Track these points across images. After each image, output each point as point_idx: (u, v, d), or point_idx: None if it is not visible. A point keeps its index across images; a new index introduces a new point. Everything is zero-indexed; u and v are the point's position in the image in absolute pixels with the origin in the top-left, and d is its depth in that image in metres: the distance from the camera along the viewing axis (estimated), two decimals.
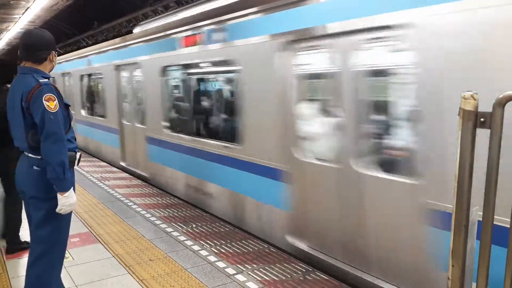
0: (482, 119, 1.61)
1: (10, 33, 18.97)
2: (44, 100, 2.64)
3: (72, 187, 2.75)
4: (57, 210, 2.69)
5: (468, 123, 1.63)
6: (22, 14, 14.17)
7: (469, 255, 1.73)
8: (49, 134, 2.64)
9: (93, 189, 6.93)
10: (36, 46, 2.83)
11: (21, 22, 15.46)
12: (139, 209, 5.79)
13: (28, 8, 12.99)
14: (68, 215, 2.88)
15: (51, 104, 2.65)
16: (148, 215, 5.52)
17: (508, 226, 1.59)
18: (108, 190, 6.89)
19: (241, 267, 3.96)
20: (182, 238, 4.71)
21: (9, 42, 22.58)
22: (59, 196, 2.68)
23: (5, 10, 14.11)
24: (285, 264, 4.04)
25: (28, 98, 2.66)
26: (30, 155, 2.80)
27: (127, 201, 6.22)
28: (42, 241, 2.81)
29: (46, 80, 2.77)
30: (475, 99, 1.61)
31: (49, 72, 2.94)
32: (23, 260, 4.05)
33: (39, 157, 2.74)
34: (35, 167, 2.77)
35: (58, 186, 2.67)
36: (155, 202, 6.18)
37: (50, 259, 2.85)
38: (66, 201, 2.68)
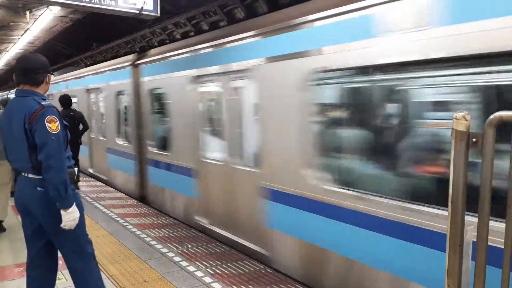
0: (474, 140, 1.64)
1: (9, 54, 19.11)
2: (47, 122, 2.73)
3: (74, 203, 2.83)
4: (61, 226, 2.78)
5: (461, 144, 1.66)
6: (22, 35, 14.32)
7: (465, 275, 1.73)
8: (51, 154, 2.72)
9: (88, 209, 6.87)
10: (33, 69, 2.93)
11: (20, 43, 15.60)
12: (134, 229, 5.74)
13: (27, 29, 13.13)
14: (82, 222, 3.01)
15: (53, 126, 2.74)
16: (143, 236, 5.48)
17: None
18: (103, 210, 6.84)
19: None
20: (177, 258, 4.66)
21: (8, 62, 22.73)
22: (62, 212, 2.77)
23: (5, 31, 14.26)
24: (281, 285, 4.00)
25: (31, 119, 2.74)
26: (31, 176, 2.86)
27: (122, 221, 6.17)
28: (73, 249, 2.98)
29: (48, 102, 2.87)
30: (466, 120, 1.64)
31: (44, 94, 3.02)
32: (14, 282, 4.00)
33: (41, 177, 2.81)
34: (38, 188, 2.83)
35: (61, 204, 2.76)
36: (150, 222, 6.13)
37: (86, 259, 3.05)
38: (69, 216, 2.78)
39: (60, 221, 2.80)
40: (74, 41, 14.85)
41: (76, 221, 2.84)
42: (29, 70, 2.92)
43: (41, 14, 10.85)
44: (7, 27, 13.54)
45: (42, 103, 2.80)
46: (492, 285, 1.72)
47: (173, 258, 4.68)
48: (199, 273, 4.26)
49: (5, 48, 18.18)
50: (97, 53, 14.19)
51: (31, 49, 17.07)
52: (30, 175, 2.86)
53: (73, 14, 11.67)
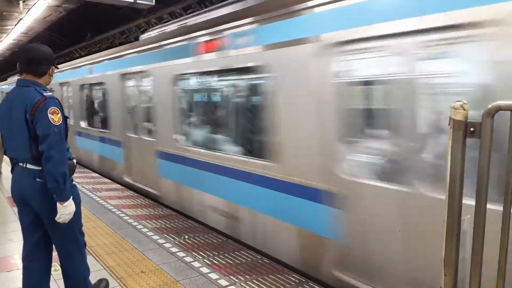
0: (472, 129, 1.63)
1: (3, 44, 18.92)
2: (49, 113, 2.73)
3: (71, 197, 2.83)
4: (56, 218, 2.78)
5: (458, 133, 1.65)
6: (15, 25, 14.15)
7: (461, 265, 1.73)
8: (52, 146, 2.71)
9: (84, 200, 6.82)
10: (38, 60, 2.93)
11: (13, 33, 15.44)
12: (131, 221, 5.74)
13: (21, 19, 12.97)
14: (78, 214, 3.02)
15: (55, 117, 2.74)
16: (140, 227, 5.47)
17: None
18: (99, 201, 6.83)
19: (234, 279, 3.93)
20: (174, 249, 4.66)
21: (2, 53, 22.52)
22: (58, 205, 2.76)
23: None
24: (278, 275, 4.01)
25: (33, 110, 2.74)
26: (30, 166, 2.85)
27: (119, 212, 6.16)
28: (66, 241, 3.01)
29: (50, 93, 2.86)
30: (465, 109, 1.63)
31: (46, 85, 3.01)
32: (10, 274, 4.00)
33: (40, 168, 2.81)
34: (37, 179, 2.83)
35: (58, 196, 2.76)
36: (147, 214, 6.12)
37: (79, 251, 3.09)
38: (65, 210, 2.78)
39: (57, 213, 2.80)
40: (68, 31, 14.70)
41: (71, 215, 2.83)
42: (33, 60, 2.91)
43: (35, 3, 10.71)
44: (0, 17, 13.38)
45: (44, 94, 2.80)
46: None
47: (170, 249, 4.68)
48: (196, 264, 4.27)
49: None
50: (92, 43, 14.06)
51: (24, 40, 16.90)
52: (29, 166, 2.85)
53: (66, 3, 11.54)
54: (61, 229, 2.91)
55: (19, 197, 2.95)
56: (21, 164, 2.89)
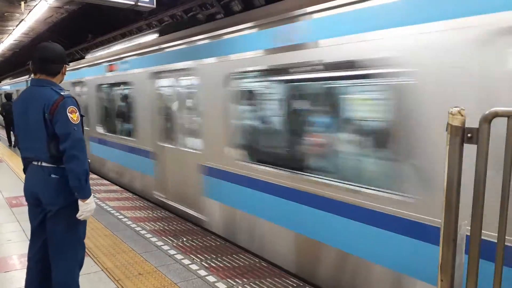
0: (469, 135, 1.64)
1: (3, 45, 18.95)
2: (68, 112, 2.76)
3: (92, 194, 2.88)
4: (77, 215, 2.82)
5: (456, 139, 1.66)
6: (16, 26, 14.18)
7: (458, 270, 1.74)
8: (74, 144, 2.75)
9: None
10: (51, 59, 2.95)
11: (15, 34, 15.45)
12: (129, 222, 5.74)
13: (22, 20, 12.99)
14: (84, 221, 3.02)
15: (74, 116, 2.79)
16: (138, 229, 5.47)
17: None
18: (98, 203, 6.83)
19: (232, 282, 3.93)
20: (172, 252, 4.66)
21: (3, 53, 22.56)
22: (80, 203, 2.81)
23: None
24: (275, 279, 4.02)
25: (51, 110, 2.76)
26: (45, 164, 2.86)
27: (118, 214, 6.17)
28: (66, 248, 2.94)
29: (68, 92, 2.89)
30: (462, 115, 1.64)
31: (59, 84, 3.02)
32: (8, 274, 3.99)
33: (55, 165, 2.83)
34: (53, 176, 2.84)
35: (80, 194, 2.81)
36: (145, 216, 6.13)
37: (74, 261, 3.01)
38: (86, 207, 2.83)
39: (68, 208, 2.83)
40: (69, 32, 14.74)
41: (92, 212, 2.89)
42: (47, 60, 2.93)
43: (36, 4, 10.73)
44: (1, 18, 13.40)
45: (62, 93, 2.82)
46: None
47: (168, 251, 4.69)
48: (194, 266, 4.27)
49: None
50: (93, 44, 14.10)
51: (25, 40, 16.93)
52: (44, 164, 2.85)
53: (68, 5, 11.57)
54: (64, 227, 2.88)
55: (31, 195, 2.93)
56: (35, 162, 2.89)
